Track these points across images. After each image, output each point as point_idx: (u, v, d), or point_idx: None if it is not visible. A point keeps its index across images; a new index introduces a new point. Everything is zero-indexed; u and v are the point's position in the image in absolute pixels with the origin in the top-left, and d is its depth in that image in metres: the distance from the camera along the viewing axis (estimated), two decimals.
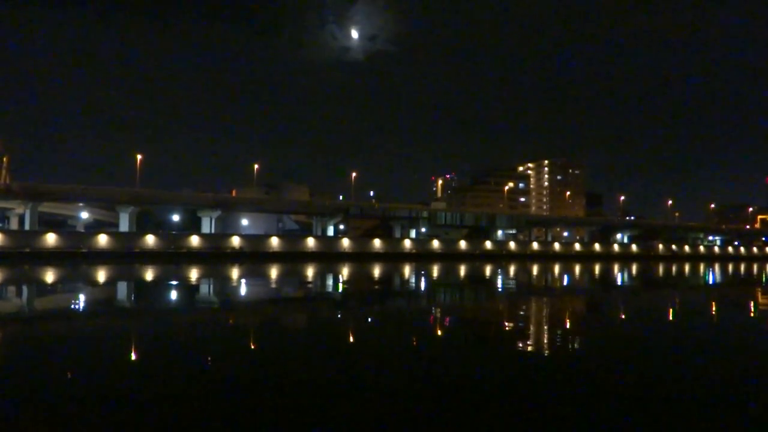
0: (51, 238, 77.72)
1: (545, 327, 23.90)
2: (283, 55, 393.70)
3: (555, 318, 27.54)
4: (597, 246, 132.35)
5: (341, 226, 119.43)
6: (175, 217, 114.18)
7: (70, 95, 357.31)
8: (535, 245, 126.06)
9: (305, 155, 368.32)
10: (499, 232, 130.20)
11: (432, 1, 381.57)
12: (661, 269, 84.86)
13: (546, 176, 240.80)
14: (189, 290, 39.17)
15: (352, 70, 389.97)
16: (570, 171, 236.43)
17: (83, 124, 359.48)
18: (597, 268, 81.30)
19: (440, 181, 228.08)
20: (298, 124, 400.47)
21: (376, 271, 63.34)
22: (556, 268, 77.32)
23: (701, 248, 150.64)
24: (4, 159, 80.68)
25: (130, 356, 16.43)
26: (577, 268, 79.36)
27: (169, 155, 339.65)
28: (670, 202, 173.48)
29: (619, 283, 57.42)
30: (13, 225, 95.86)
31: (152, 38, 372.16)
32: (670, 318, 29.29)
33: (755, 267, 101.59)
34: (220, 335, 20.43)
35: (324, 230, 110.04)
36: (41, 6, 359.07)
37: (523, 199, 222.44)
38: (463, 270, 69.25)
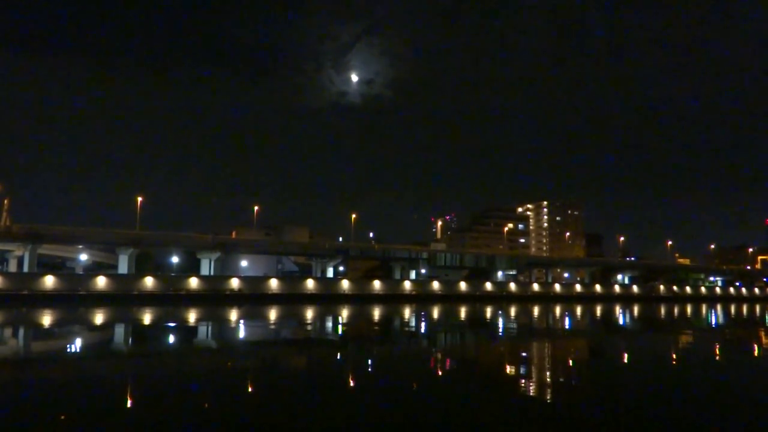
0: (49, 281, 77.33)
1: (549, 377, 23.52)
2: (281, 99, 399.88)
3: (560, 366, 27.13)
4: (598, 287, 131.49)
5: (341, 268, 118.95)
6: (175, 259, 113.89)
7: (69, 139, 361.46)
8: (535, 286, 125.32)
9: (304, 198, 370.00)
10: (500, 274, 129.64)
11: (428, 45, 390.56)
12: (664, 311, 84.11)
13: (545, 217, 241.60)
14: (186, 333, 38.74)
15: (349, 113, 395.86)
16: (569, 212, 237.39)
17: (83, 167, 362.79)
18: (599, 310, 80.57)
19: (440, 222, 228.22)
20: (296, 167, 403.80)
21: (376, 313, 62.79)
22: (558, 310, 76.65)
23: (703, 289, 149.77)
24: (5, 201, 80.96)
25: (123, 404, 16.13)
26: (579, 310, 78.66)
27: (168, 198, 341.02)
28: (670, 242, 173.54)
29: (623, 325, 56.68)
30: (12, 267, 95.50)
31: (151, 84, 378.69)
32: (685, 366, 28.87)
33: (758, 308, 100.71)
34: (216, 381, 20.09)
35: (324, 272, 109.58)
36: (42, 53, 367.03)
37: (522, 240, 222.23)
38: (463, 312, 68.64)
